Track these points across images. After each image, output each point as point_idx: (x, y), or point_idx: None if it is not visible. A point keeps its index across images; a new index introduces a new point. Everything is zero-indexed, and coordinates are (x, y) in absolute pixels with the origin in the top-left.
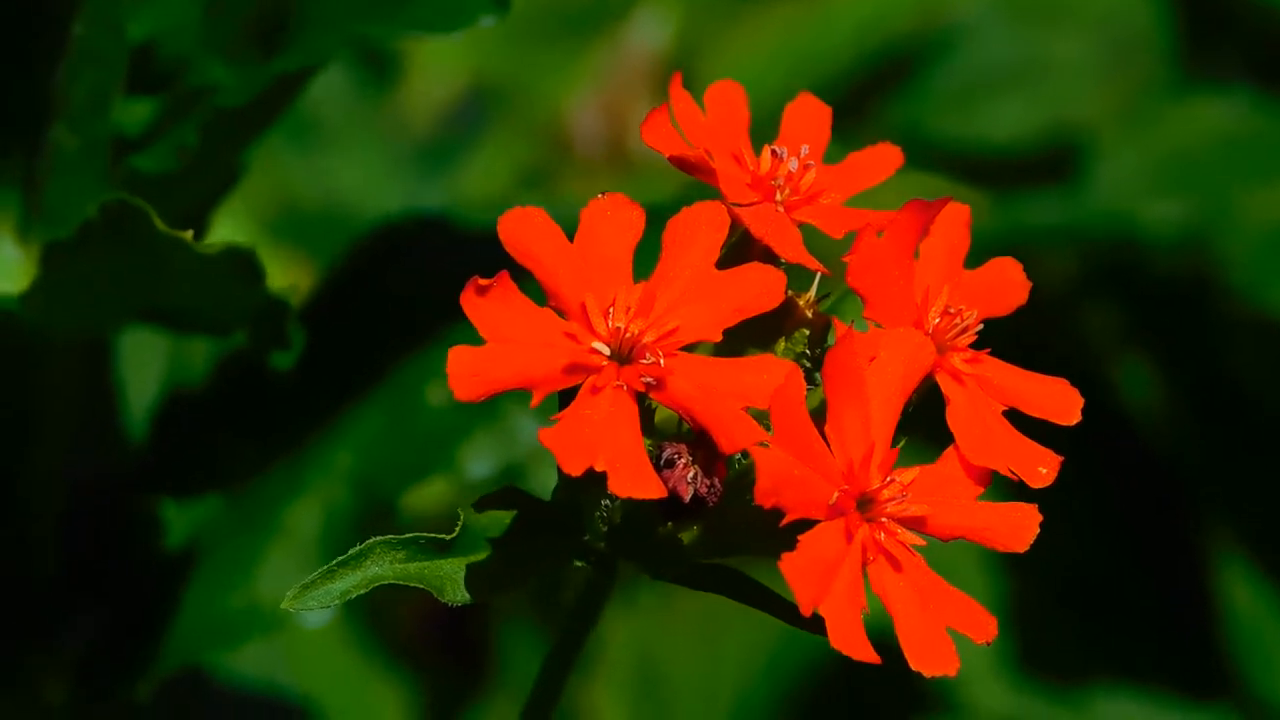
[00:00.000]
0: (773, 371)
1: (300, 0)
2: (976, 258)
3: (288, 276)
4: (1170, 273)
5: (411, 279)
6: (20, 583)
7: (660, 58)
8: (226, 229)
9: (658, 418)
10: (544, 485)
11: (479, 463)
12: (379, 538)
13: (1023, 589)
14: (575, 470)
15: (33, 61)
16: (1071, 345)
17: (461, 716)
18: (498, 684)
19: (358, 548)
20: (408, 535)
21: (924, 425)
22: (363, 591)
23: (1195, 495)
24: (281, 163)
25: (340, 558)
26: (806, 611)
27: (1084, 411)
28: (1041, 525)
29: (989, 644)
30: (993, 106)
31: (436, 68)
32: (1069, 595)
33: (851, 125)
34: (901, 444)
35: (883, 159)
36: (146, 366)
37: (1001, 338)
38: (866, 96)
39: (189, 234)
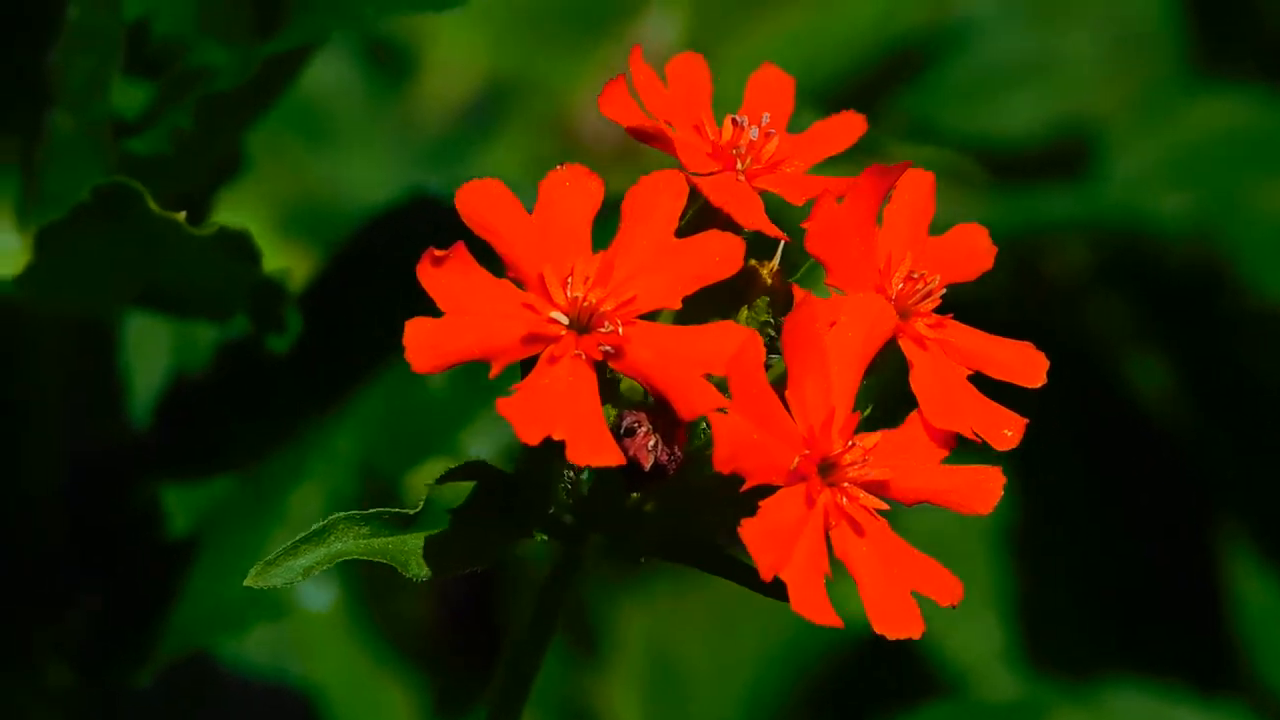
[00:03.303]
0: (731, 338)
1: None
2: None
3: (300, 269)
4: (1182, 266)
5: (413, 261)
6: (26, 565)
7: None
8: (237, 221)
9: (623, 387)
10: None
11: (481, 444)
12: (342, 513)
13: (1031, 581)
14: (533, 439)
15: (29, 44)
16: (1083, 338)
17: (471, 707)
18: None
19: (320, 523)
20: (372, 510)
21: (890, 390)
22: (326, 567)
23: (1206, 487)
24: (296, 159)
25: (303, 534)
26: (767, 576)
27: (1095, 403)
28: (1053, 516)
29: (955, 606)
30: (1004, 101)
31: (450, 64)
32: (1078, 587)
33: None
34: (868, 411)
35: (845, 126)
36: (151, 353)
37: (1012, 328)
38: (877, 92)
39: (181, 215)
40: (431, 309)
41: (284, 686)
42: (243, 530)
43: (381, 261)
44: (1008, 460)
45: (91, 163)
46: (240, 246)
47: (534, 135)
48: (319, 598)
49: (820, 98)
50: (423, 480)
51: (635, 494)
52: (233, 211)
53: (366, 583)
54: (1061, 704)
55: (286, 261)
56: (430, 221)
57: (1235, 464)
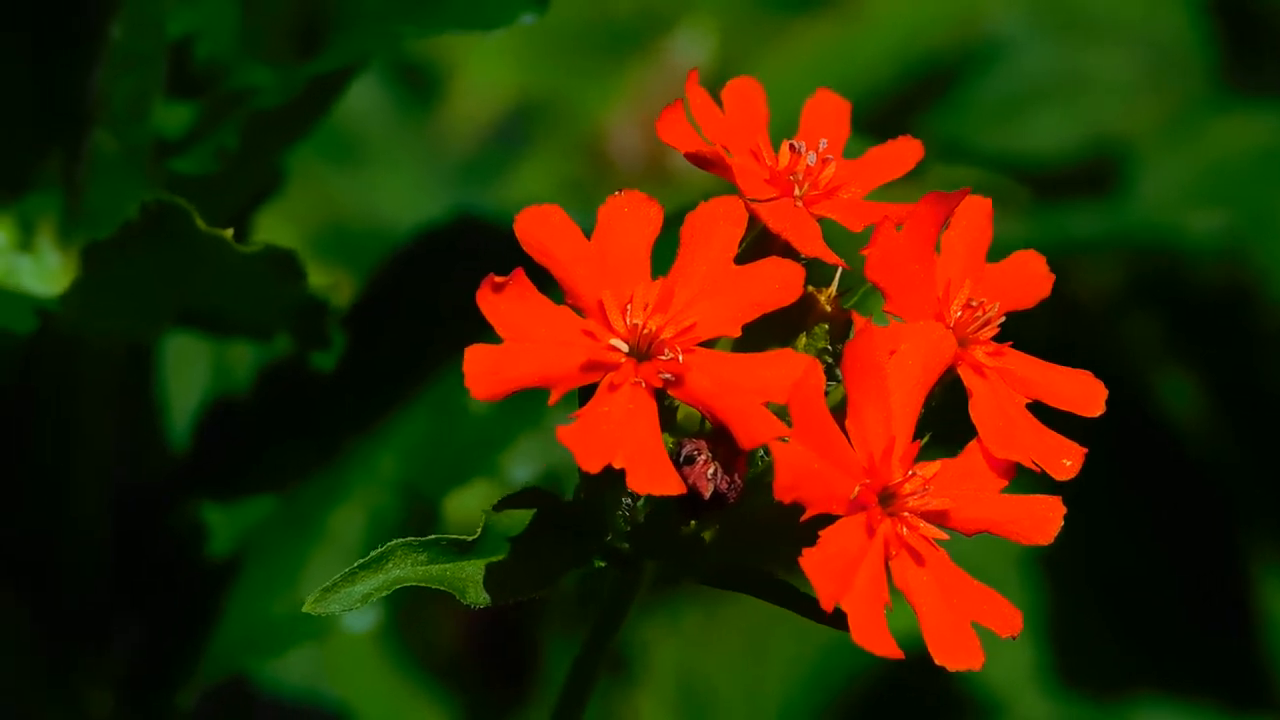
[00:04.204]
0: (792, 366)
1: (338, 0)
2: None
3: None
4: (1211, 285)
5: (455, 282)
6: (67, 589)
7: (701, 74)
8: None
9: (680, 415)
10: None
11: (521, 467)
12: (400, 540)
13: (1063, 601)
14: (593, 468)
15: (72, 64)
16: (1113, 356)
17: None
18: (544, 697)
19: (379, 550)
20: (430, 537)
21: (948, 419)
22: (384, 594)
23: (1237, 506)
24: (325, 181)
25: (361, 560)
26: (828, 607)
27: (1125, 423)
28: (1083, 536)
29: (1014, 637)
30: (1033, 120)
31: (479, 86)
32: (1110, 607)
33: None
34: (926, 439)
35: (903, 153)
36: (190, 374)
37: (1041, 348)
38: (906, 111)
39: (229, 232)
40: (473, 329)
41: (319, 708)
42: (283, 551)
43: (423, 282)
44: (1039, 480)
45: (133, 182)
46: (287, 264)
47: (564, 156)
48: (361, 619)
49: (851, 117)
50: (464, 502)
51: (693, 522)
52: (265, 232)
53: (396, 602)
54: None
55: (320, 282)
56: (473, 243)
57: (1265, 482)
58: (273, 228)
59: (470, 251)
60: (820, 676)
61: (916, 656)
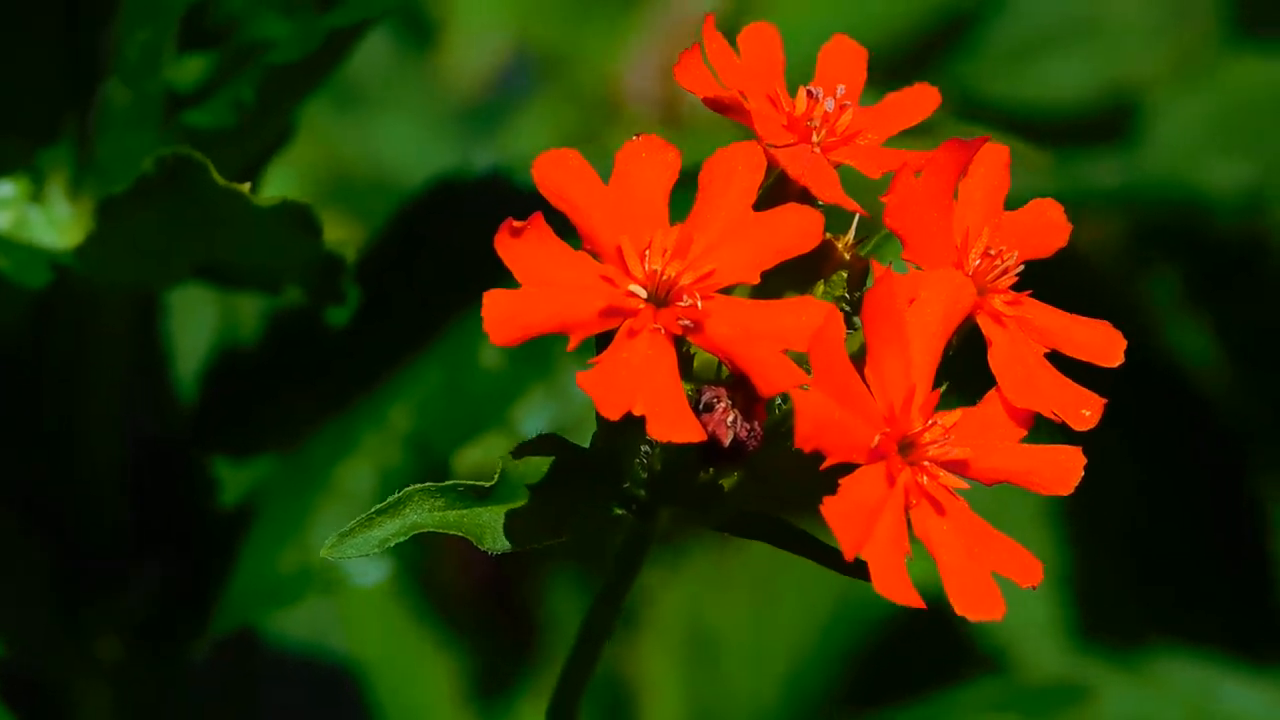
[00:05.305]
0: (811, 313)
1: None
2: None
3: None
4: (1228, 233)
5: (465, 235)
6: (78, 541)
7: (715, 18)
8: (274, 191)
9: (697, 363)
10: None
11: (533, 420)
12: (418, 485)
13: (1081, 551)
14: (613, 414)
15: (85, 17)
16: (1127, 306)
17: (511, 677)
18: (547, 642)
19: (396, 495)
20: (447, 483)
21: (966, 368)
22: (402, 539)
23: (1254, 458)
24: (326, 128)
25: (379, 505)
26: (849, 556)
27: (1142, 374)
28: (1099, 488)
29: (1035, 588)
30: (1047, 65)
31: (478, 30)
32: (1127, 558)
33: (905, 86)
34: (944, 387)
35: (920, 99)
36: (196, 322)
37: (1055, 297)
38: (920, 57)
39: (245, 186)
40: (484, 283)
41: (327, 659)
42: (293, 503)
43: (433, 234)
44: (1057, 430)
45: (146, 134)
46: (304, 220)
47: (571, 101)
48: (371, 573)
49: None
50: (475, 455)
51: (711, 469)
52: (269, 180)
53: (404, 551)
54: (1107, 677)
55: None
56: (484, 193)
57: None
58: (274, 174)
59: (481, 202)
60: (831, 623)
61: (931, 607)
